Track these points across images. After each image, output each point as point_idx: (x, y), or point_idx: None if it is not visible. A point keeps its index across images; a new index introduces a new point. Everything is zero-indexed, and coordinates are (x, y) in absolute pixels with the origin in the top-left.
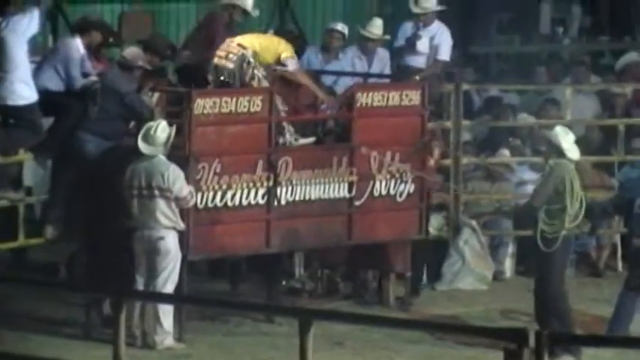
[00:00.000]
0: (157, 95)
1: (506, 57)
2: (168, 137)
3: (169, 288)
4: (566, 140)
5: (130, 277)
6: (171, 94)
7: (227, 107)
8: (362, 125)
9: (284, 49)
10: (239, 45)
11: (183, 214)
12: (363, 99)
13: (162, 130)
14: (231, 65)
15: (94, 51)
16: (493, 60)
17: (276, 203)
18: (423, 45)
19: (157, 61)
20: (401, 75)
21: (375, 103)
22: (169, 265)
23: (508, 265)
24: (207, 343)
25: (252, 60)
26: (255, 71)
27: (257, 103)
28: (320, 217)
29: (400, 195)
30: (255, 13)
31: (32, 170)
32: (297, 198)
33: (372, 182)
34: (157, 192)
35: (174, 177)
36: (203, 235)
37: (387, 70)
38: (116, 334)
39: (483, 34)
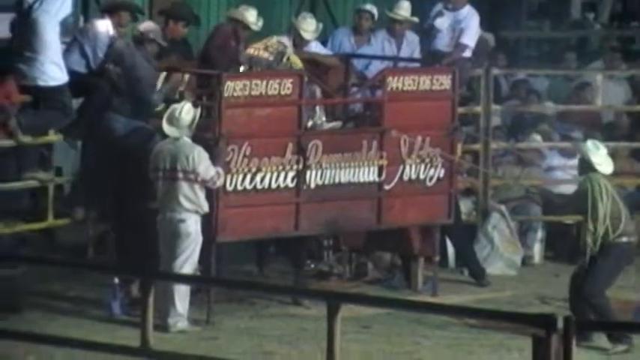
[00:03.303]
0: (187, 77)
1: (536, 42)
2: (193, 119)
3: (187, 270)
4: (597, 155)
5: (158, 259)
6: (201, 76)
7: (257, 90)
8: (392, 109)
9: None
10: (279, 42)
11: (212, 196)
12: (393, 83)
13: (186, 112)
14: (271, 57)
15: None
16: (523, 45)
17: (305, 186)
18: (441, 23)
19: (181, 27)
20: (430, 59)
21: (405, 87)
22: (188, 248)
23: (537, 251)
24: (234, 326)
25: (291, 57)
26: (294, 67)
27: (287, 86)
28: (349, 200)
29: (430, 179)
30: (258, 26)
31: (62, 151)
32: (326, 181)
33: (401, 166)
34: (180, 174)
35: (199, 159)
36: (232, 218)
37: (417, 54)
38: (144, 315)
39: (514, 19)
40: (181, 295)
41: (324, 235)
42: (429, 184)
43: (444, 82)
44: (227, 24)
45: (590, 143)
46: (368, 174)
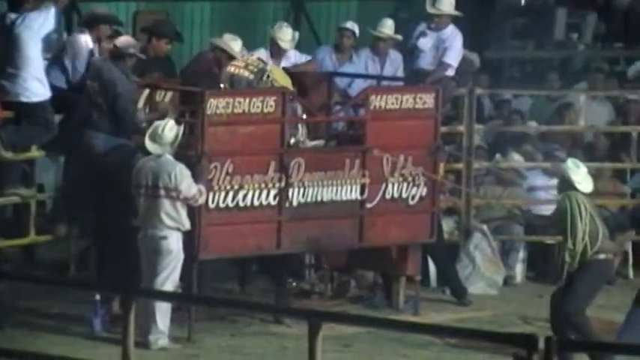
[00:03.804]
0: (169, 94)
1: (520, 62)
2: (176, 136)
3: (168, 288)
4: (577, 174)
5: (139, 276)
6: (184, 93)
7: (240, 107)
8: (375, 128)
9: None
10: (259, 59)
11: (195, 213)
12: (376, 101)
13: (169, 129)
14: (251, 76)
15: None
16: (507, 65)
17: (287, 204)
18: (424, 43)
19: (164, 44)
20: (413, 78)
21: (388, 106)
22: (170, 265)
23: (519, 271)
24: (215, 344)
25: (271, 75)
26: (275, 84)
27: (270, 104)
28: (331, 219)
29: (412, 198)
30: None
31: (44, 167)
32: (308, 200)
33: (384, 185)
34: (162, 192)
35: (182, 177)
36: (214, 235)
37: (400, 73)
38: (125, 332)
39: (498, 39)
40: (162, 312)
41: (306, 253)
42: (411, 202)
43: (427, 100)
44: (210, 51)
45: (570, 162)
46: (350, 192)
